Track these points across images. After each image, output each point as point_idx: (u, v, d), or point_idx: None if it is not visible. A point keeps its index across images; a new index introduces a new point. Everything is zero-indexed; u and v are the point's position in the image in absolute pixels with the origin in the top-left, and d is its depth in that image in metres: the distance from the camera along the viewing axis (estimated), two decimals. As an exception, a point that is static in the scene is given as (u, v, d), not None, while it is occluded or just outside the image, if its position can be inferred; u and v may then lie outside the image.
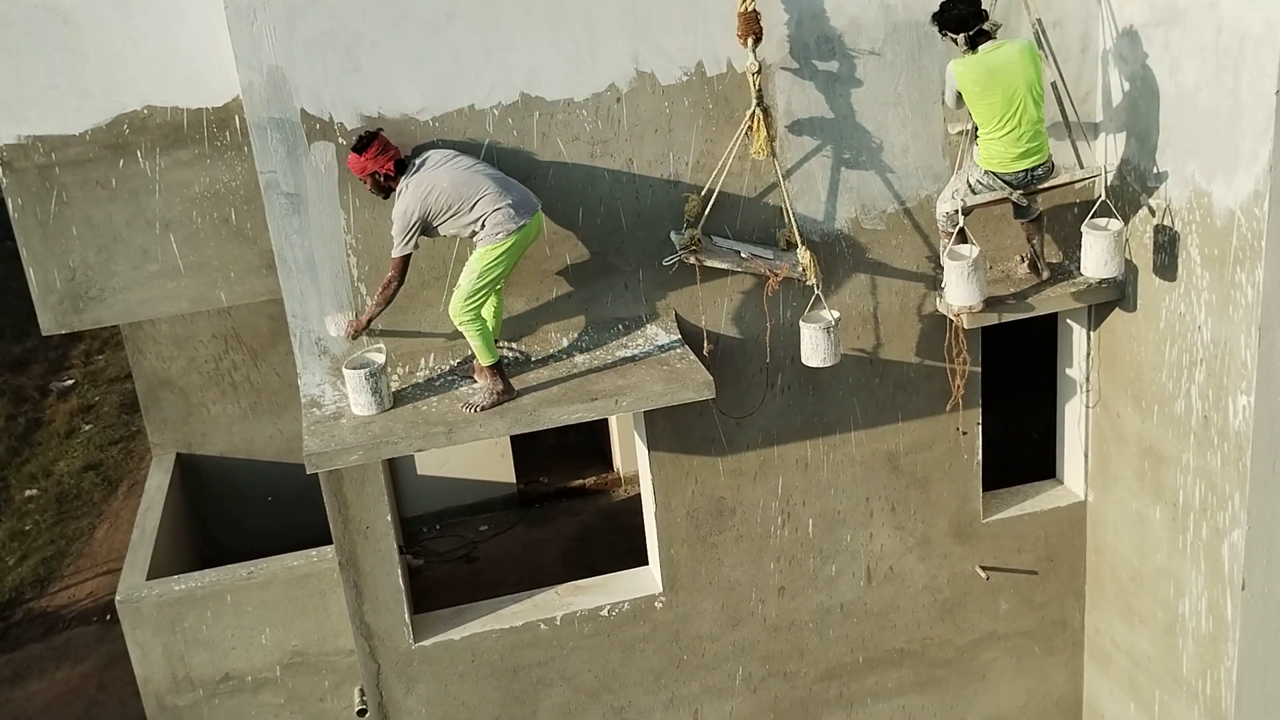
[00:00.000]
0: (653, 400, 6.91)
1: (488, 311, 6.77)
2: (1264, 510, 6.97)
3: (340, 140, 6.64)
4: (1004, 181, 6.96)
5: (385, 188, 6.61)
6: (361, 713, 8.26)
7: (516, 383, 6.92)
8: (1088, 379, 8.02)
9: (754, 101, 6.81)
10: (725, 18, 6.78)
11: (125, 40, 7.34)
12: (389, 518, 7.36)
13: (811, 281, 7.09)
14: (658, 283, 7.28)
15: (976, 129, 6.95)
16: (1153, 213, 7.16)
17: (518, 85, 6.76)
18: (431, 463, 9.73)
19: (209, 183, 7.70)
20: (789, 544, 7.99)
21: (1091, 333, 7.90)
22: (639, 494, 8.55)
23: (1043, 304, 7.54)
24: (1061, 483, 8.52)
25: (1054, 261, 7.70)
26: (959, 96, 6.87)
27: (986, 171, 6.96)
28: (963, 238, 7.15)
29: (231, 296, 8.06)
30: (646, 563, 8.12)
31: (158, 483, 9.91)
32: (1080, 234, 7.24)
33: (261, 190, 6.74)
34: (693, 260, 6.96)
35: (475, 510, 10.02)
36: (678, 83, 6.93)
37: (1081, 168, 7.29)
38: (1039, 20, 7.06)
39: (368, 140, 6.51)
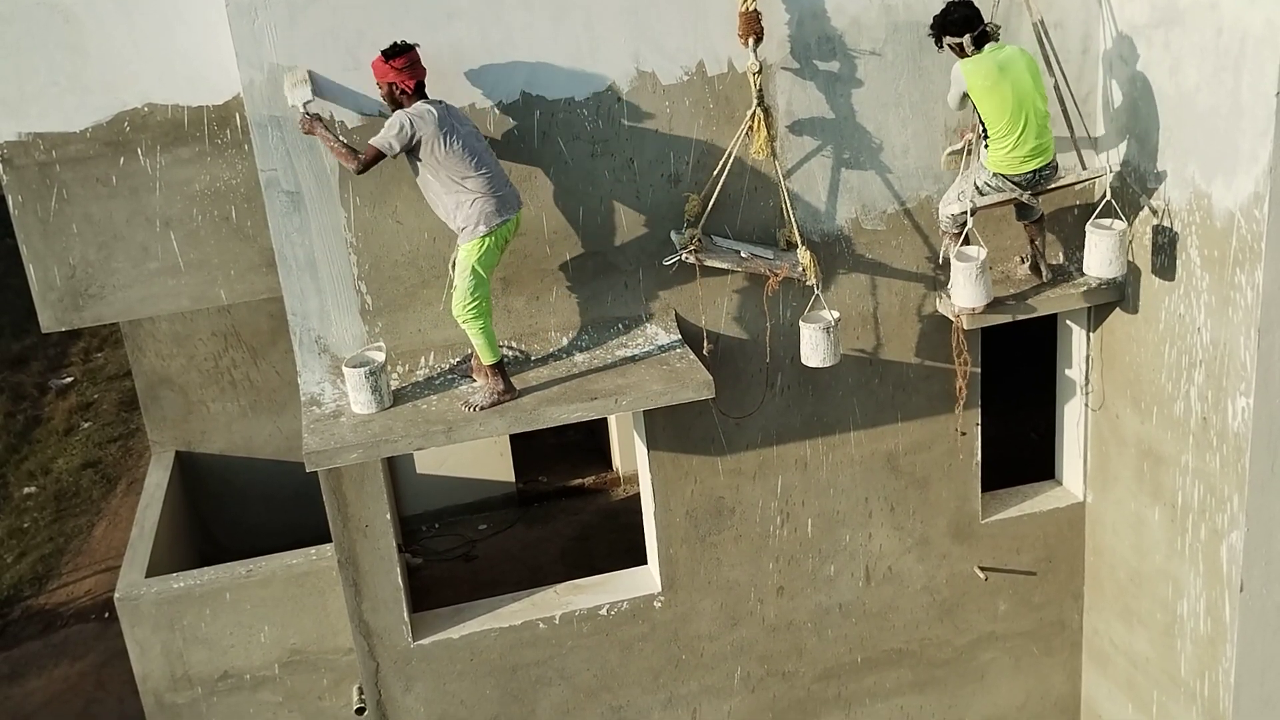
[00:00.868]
0: (652, 400, 6.91)
1: (487, 309, 6.76)
2: (1263, 512, 6.98)
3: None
4: (1013, 183, 6.96)
5: (397, 102, 6.40)
6: (360, 711, 8.27)
7: (516, 382, 6.92)
8: (1087, 380, 8.03)
9: (754, 101, 6.81)
10: (726, 17, 6.78)
11: (126, 38, 7.34)
12: (388, 516, 7.36)
13: (811, 281, 7.09)
14: (658, 282, 7.28)
15: (986, 134, 6.94)
16: (1153, 214, 7.17)
17: (518, 84, 6.77)
18: (431, 461, 9.73)
19: (209, 180, 7.71)
20: (788, 544, 8.00)
21: (1091, 334, 7.91)
22: (638, 493, 8.54)
23: (1043, 305, 7.54)
24: (1060, 483, 8.53)
25: (1054, 262, 7.71)
26: (963, 98, 6.88)
27: (995, 174, 6.96)
28: (967, 239, 7.16)
29: (231, 294, 8.06)
30: (645, 562, 8.13)
31: (157, 480, 9.91)
32: (1081, 235, 7.25)
33: (262, 188, 6.73)
34: (693, 260, 6.96)
35: (474, 509, 10.02)
36: (678, 82, 6.93)
37: (1084, 168, 7.30)
38: (1040, 21, 7.06)
39: (401, 50, 6.30)
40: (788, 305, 7.43)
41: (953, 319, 7.44)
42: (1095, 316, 7.84)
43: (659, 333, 7.31)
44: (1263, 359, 6.65)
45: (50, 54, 7.31)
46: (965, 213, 7.09)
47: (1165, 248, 7.12)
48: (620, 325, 7.32)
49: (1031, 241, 7.54)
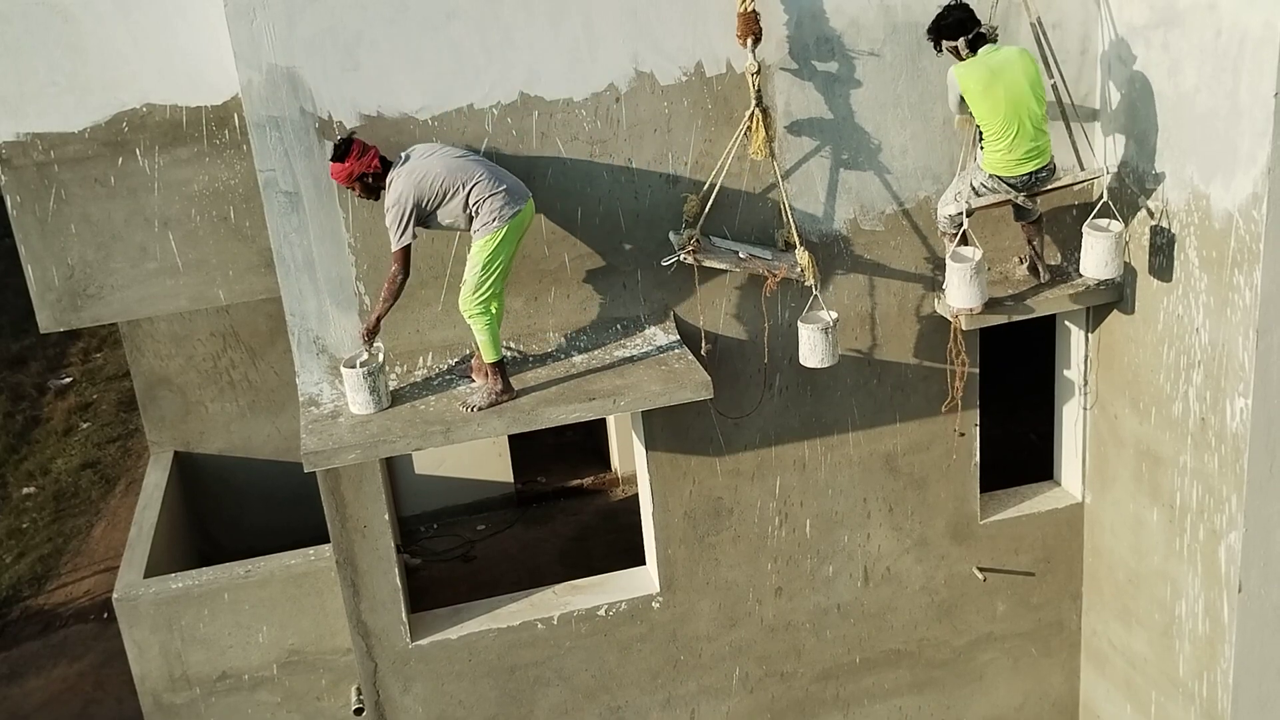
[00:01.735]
0: (651, 400, 6.91)
1: (495, 308, 6.76)
2: (1261, 512, 6.98)
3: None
4: (1008, 185, 6.96)
5: (374, 188, 6.51)
6: (358, 711, 8.26)
7: (515, 382, 6.91)
8: (1086, 381, 8.03)
9: (753, 102, 6.81)
10: (725, 18, 6.78)
11: (125, 37, 7.34)
12: (386, 517, 7.36)
13: (810, 282, 7.09)
14: (656, 283, 7.28)
15: (982, 135, 6.95)
16: (1151, 215, 7.17)
17: (517, 84, 6.76)
18: (429, 462, 9.74)
19: (208, 181, 7.71)
20: (786, 544, 7.99)
21: (1089, 334, 7.91)
22: (637, 494, 8.54)
23: (1042, 305, 7.54)
24: (1059, 484, 8.53)
25: (1053, 263, 7.71)
26: (961, 101, 6.88)
27: (990, 175, 6.96)
28: (964, 240, 7.16)
29: (230, 295, 8.06)
30: (644, 563, 8.12)
31: (155, 481, 9.91)
32: (1079, 236, 7.25)
33: (260, 188, 6.73)
34: (691, 260, 6.96)
35: (473, 509, 10.02)
36: (677, 83, 6.93)
37: (1082, 169, 7.30)
38: (1038, 21, 7.06)
39: (345, 145, 6.39)
40: (786, 306, 7.43)
41: (951, 320, 7.44)
42: (1094, 317, 7.84)
43: (657, 333, 7.31)
44: (1261, 360, 6.65)
45: (49, 54, 7.31)
46: (961, 214, 7.09)
47: (1164, 248, 7.12)
48: (619, 326, 7.32)
49: (1030, 242, 7.54)
